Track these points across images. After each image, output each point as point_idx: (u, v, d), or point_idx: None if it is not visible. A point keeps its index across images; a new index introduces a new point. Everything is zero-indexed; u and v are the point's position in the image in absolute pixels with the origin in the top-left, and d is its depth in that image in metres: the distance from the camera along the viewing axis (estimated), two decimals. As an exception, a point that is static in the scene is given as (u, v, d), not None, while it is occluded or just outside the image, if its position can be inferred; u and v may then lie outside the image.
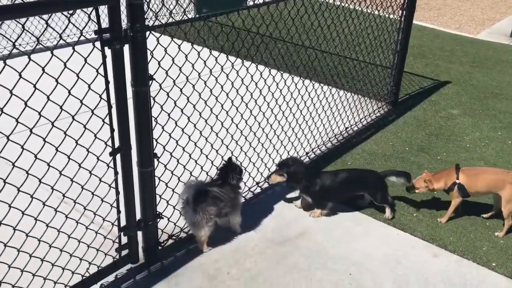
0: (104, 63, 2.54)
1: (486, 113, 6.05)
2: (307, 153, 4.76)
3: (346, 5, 5.11)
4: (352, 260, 3.48)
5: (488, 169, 4.15)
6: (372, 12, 5.39)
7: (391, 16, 5.64)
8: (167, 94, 3.03)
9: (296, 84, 4.46)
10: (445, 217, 3.96)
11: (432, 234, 3.81)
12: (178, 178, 3.47)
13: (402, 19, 5.58)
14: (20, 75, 2.15)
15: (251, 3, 3.38)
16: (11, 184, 2.32)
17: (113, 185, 2.91)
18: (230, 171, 3.47)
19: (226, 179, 3.45)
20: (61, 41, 2.56)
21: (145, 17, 2.65)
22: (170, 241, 3.49)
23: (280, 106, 4.30)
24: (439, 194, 4.28)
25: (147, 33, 2.68)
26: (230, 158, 3.51)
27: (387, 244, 3.68)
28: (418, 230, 3.84)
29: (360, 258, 3.50)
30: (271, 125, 4.37)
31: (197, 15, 3.06)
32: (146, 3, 2.63)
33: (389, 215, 3.95)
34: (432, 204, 4.18)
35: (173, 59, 2.95)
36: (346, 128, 5.35)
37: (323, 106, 5.03)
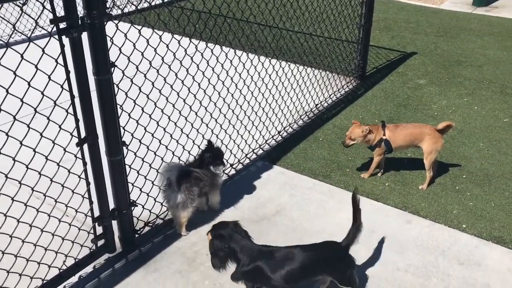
0: (62, 52, 2.50)
1: (452, 81, 6.17)
2: (279, 132, 4.79)
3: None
4: (327, 233, 3.54)
5: (409, 124, 4.29)
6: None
7: (354, -10, 5.66)
8: (131, 80, 3.00)
9: (263, 64, 4.46)
10: (368, 173, 4.18)
11: (405, 202, 3.91)
12: (150, 165, 3.46)
13: (365, -8, 5.61)
14: (-25, 70, 2.11)
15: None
16: (-24, 182, 2.28)
17: (83, 176, 2.89)
18: (210, 155, 3.48)
19: (204, 163, 3.46)
20: (17, 33, 2.50)
21: (106, 5, 2.60)
22: (147, 228, 3.50)
23: (248, 86, 4.30)
24: (409, 162, 4.37)
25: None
26: (209, 141, 3.52)
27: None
28: (390, 199, 3.93)
29: (335, 230, 3.56)
30: (240, 106, 4.37)
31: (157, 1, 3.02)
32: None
33: None
34: (402, 173, 4.27)
35: (134, 44, 2.92)
36: (316, 105, 5.39)
37: (291, 84, 5.05)
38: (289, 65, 5.26)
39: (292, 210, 3.78)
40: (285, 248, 2.77)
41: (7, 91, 2.28)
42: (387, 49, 7.20)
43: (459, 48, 7.28)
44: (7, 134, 2.36)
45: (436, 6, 9.82)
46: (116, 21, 2.81)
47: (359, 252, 3.34)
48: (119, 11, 3.14)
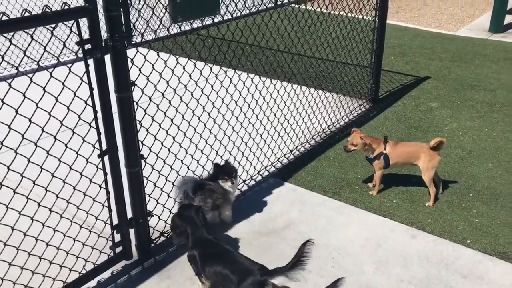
0: (87, 71, 2.76)
1: (464, 104, 6.29)
2: (291, 151, 4.98)
3: (323, 10, 5.36)
4: (334, 246, 3.67)
5: (409, 142, 4.49)
6: (346, 14, 5.65)
7: (365, 17, 5.90)
8: (150, 98, 3.26)
9: (274, 86, 4.69)
10: (375, 190, 4.32)
11: (411, 218, 4.02)
12: (166, 178, 3.68)
13: (376, 19, 5.84)
14: (10, 86, 2.38)
15: (225, 9, 3.61)
16: (6, 186, 2.53)
17: (103, 185, 3.12)
18: (219, 170, 3.70)
19: (214, 177, 3.68)
20: (48, 55, 2.79)
21: (130, 30, 2.87)
22: (162, 238, 3.69)
23: (260, 107, 4.52)
24: (418, 180, 4.49)
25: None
26: (226, 161, 3.78)
27: (368, 230, 3.88)
28: (397, 215, 4.05)
29: (342, 244, 3.70)
30: (253, 125, 4.59)
31: (173, 24, 3.28)
32: (123, 15, 2.86)
33: None
34: (410, 190, 4.39)
35: (153, 65, 3.18)
36: (328, 126, 5.57)
37: (303, 105, 5.25)
38: (301, 87, 5.48)
39: (301, 224, 3.94)
40: (225, 249, 2.96)
41: (37, 105, 2.54)
42: (401, 74, 7.37)
43: (472, 73, 7.41)
44: (36, 144, 2.62)
45: (452, 33, 9.97)
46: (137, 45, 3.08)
47: (364, 265, 3.47)
48: (140, 37, 3.41)
